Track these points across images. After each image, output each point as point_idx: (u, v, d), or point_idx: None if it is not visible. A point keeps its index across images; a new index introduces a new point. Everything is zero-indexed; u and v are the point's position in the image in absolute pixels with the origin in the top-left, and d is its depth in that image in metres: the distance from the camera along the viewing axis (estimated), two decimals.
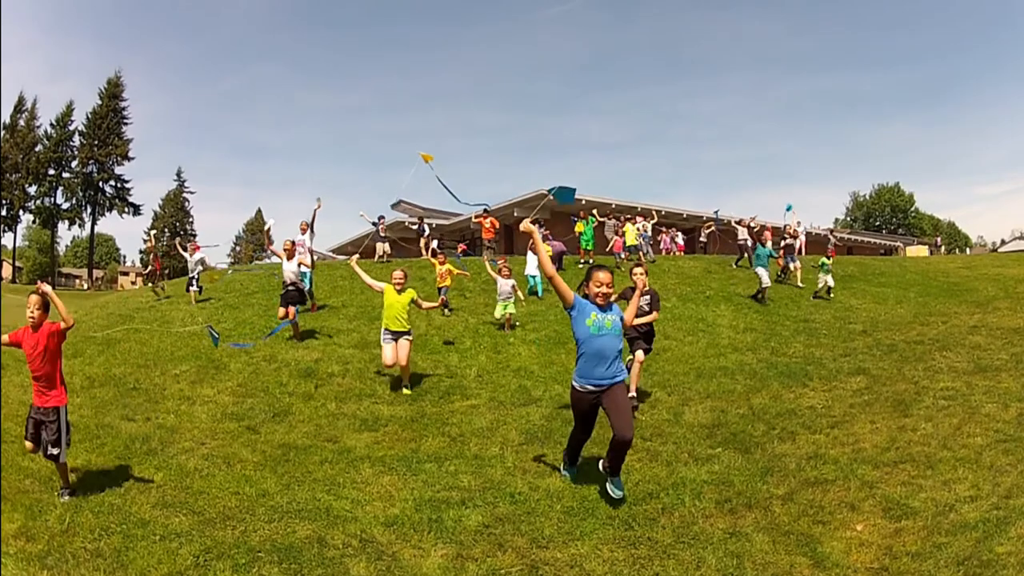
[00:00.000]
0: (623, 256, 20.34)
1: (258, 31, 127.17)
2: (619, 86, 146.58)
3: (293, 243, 12.02)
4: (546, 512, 5.09)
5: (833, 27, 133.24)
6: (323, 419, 7.55)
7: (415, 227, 23.95)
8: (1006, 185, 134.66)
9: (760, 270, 15.55)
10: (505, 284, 12.42)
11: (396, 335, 8.75)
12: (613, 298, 5.62)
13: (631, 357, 8.04)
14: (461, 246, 27.31)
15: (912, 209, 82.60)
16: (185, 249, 17.52)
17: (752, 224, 21.08)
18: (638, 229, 20.97)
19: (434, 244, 23.84)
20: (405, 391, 8.62)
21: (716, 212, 27.96)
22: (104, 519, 4.76)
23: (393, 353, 8.71)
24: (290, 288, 11.54)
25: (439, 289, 13.70)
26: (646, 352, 8.32)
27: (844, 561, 4.19)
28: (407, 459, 6.33)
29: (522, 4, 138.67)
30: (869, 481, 5.46)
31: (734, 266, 20.82)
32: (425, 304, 9.21)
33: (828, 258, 17.82)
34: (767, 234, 17.29)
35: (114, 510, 4.93)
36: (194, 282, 15.94)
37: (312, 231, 14.63)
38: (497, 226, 21.13)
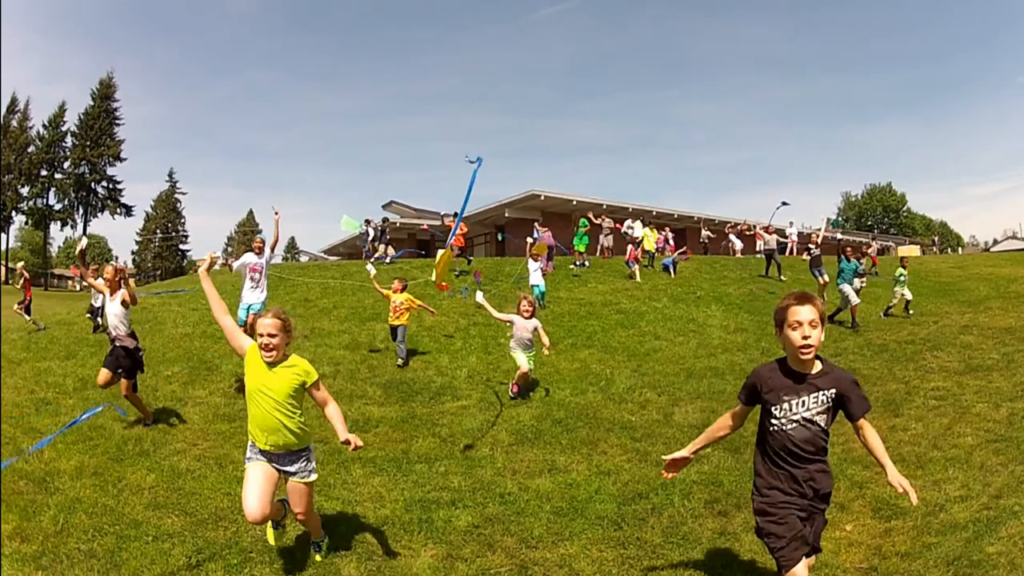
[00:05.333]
0: (635, 267, 18.70)
1: (252, 35, 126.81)
2: (613, 89, 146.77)
3: (116, 269, 7.44)
4: (536, 512, 5.12)
5: (826, 30, 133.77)
6: (314, 420, 7.52)
7: (362, 230, 21.46)
8: (998, 185, 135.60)
9: (846, 287, 13.57)
10: (524, 327, 8.55)
11: (275, 459, 4.05)
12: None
13: None
14: (424, 226, 25.12)
15: (904, 209, 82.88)
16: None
17: (745, 230, 20.64)
18: (656, 234, 20.46)
19: (391, 252, 21.05)
20: (316, 556, 4.35)
21: (783, 204, 23.83)
22: (97, 520, 4.77)
23: (260, 499, 3.92)
24: (116, 345, 7.19)
25: (393, 329, 10.39)
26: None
27: (833, 561, 4.21)
28: (397, 460, 6.35)
29: (515, 7, 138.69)
30: (859, 481, 5.50)
31: (774, 277, 19.50)
32: (324, 402, 4.15)
33: (903, 267, 15.28)
34: (850, 248, 14.69)
35: (107, 511, 4.94)
36: (98, 314, 12.50)
37: (272, 251, 10.46)
38: (467, 231, 19.82)
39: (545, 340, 8.38)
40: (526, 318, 8.53)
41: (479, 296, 8.82)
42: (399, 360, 10.00)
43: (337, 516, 5.03)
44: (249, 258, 10.11)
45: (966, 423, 6.81)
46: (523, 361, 8.46)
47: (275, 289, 14.25)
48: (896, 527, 4.62)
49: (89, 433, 6.79)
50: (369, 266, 10.82)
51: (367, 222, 22.47)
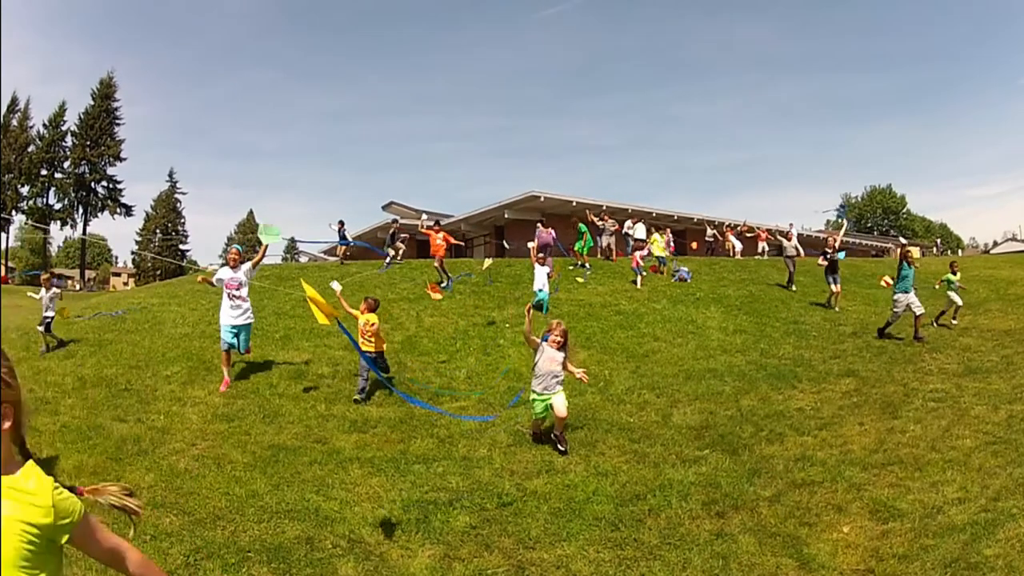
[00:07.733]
0: (643, 273, 17.78)
1: (251, 35, 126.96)
2: (610, 90, 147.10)
3: None
4: (533, 513, 5.12)
5: (824, 31, 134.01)
6: (312, 420, 7.55)
7: (333, 228, 21.04)
8: (998, 187, 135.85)
9: (901, 297, 11.82)
10: (553, 358, 6.83)
11: None
12: None
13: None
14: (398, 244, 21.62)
15: (904, 211, 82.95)
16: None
17: (745, 231, 20.27)
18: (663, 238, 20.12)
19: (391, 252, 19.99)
20: None
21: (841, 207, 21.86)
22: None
23: None
24: None
25: (366, 359, 8.00)
26: None
27: (830, 563, 4.22)
28: (396, 460, 6.35)
29: (515, 7, 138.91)
30: (857, 483, 5.50)
31: (791, 287, 17.92)
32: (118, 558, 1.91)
33: (954, 272, 13.97)
34: (912, 253, 12.81)
35: (105, 510, 4.93)
36: (48, 326, 11.00)
37: (254, 267, 9.40)
38: (451, 241, 18.47)
39: (576, 371, 6.96)
40: (555, 348, 6.85)
41: (537, 300, 6.36)
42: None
43: (335, 516, 5.03)
44: (224, 273, 9.16)
45: (965, 425, 6.81)
46: (561, 405, 6.63)
47: (273, 289, 14.24)
48: (894, 529, 4.62)
49: (88, 433, 6.80)
50: (334, 283, 9.44)
51: (341, 224, 22.18)
